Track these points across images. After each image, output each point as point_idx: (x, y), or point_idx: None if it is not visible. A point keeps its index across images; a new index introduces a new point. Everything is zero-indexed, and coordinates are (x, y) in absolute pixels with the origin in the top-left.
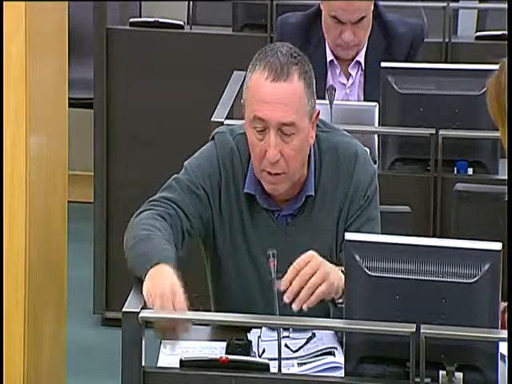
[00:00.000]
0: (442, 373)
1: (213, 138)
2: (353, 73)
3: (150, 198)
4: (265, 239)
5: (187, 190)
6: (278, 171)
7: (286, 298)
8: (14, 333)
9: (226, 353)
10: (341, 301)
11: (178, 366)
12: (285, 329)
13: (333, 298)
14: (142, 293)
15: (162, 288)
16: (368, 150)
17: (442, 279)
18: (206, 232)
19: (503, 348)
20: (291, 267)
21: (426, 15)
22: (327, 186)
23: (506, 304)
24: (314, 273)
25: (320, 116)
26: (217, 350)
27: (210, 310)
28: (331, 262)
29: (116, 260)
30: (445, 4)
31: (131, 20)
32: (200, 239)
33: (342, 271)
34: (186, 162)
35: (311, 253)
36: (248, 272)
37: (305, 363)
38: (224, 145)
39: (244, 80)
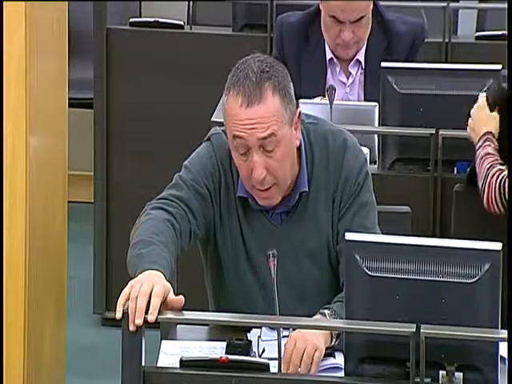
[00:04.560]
0: (441, 373)
1: (208, 139)
2: (353, 72)
3: (159, 196)
4: (261, 238)
5: (192, 189)
6: (267, 186)
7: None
8: (14, 333)
9: (226, 353)
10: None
11: (178, 366)
12: (285, 329)
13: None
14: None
15: (146, 284)
16: (368, 150)
17: (442, 279)
18: (207, 232)
19: (503, 349)
20: (285, 352)
21: (426, 15)
22: (320, 178)
23: None
24: (304, 350)
25: (320, 116)
26: (217, 349)
27: (209, 310)
28: (329, 255)
29: (116, 260)
30: (445, 4)
31: (131, 20)
32: (202, 240)
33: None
34: (186, 162)
35: (296, 334)
36: (247, 272)
37: None
38: (221, 145)
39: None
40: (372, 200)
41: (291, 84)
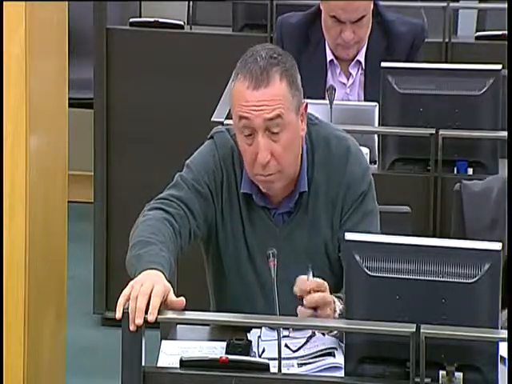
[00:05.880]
0: (441, 373)
1: (211, 137)
2: (353, 72)
3: (159, 196)
4: (263, 238)
5: (193, 188)
6: (270, 172)
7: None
8: (14, 333)
9: (226, 353)
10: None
11: (178, 365)
12: (285, 329)
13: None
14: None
15: (146, 284)
16: (368, 150)
17: (442, 279)
18: (209, 231)
19: (503, 349)
20: (316, 282)
21: (426, 15)
22: (320, 180)
23: None
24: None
25: (320, 116)
26: (217, 349)
27: (209, 310)
28: (328, 258)
29: (116, 260)
30: (445, 4)
31: (131, 20)
32: (204, 239)
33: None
34: (188, 161)
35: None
36: (248, 272)
37: (305, 364)
38: (224, 143)
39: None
40: (376, 208)
41: (299, 75)
